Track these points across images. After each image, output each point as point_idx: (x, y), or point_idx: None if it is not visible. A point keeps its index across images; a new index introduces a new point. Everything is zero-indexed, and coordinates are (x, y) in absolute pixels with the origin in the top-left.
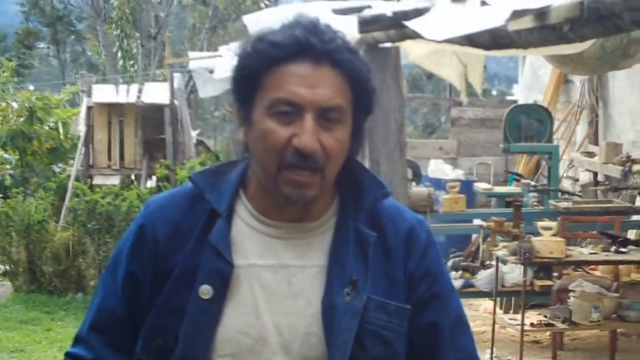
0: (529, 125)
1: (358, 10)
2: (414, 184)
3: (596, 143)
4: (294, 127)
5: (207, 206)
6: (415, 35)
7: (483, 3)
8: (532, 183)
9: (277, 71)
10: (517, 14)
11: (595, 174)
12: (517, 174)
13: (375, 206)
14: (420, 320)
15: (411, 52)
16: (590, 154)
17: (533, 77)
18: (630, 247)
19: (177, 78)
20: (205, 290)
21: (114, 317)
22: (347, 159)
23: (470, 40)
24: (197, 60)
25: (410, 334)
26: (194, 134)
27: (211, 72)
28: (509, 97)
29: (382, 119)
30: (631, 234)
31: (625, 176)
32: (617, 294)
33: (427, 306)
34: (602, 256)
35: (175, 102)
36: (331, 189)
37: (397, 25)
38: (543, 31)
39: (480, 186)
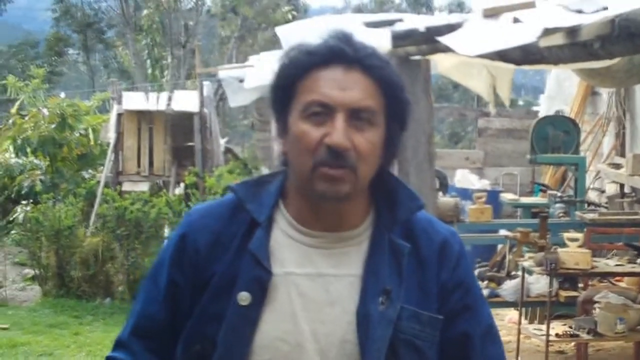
0: (556, 137)
1: (390, 23)
2: (440, 193)
3: (623, 155)
4: (326, 127)
5: (247, 216)
6: (447, 50)
7: (516, 20)
8: (558, 194)
9: (310, 77)
10: (548, 32)
11: (622, 186)
12: (544, 185)
13: (409, 218)
14: (452, 330)
15: (439, 63)
16: (617, 166)
17: (558, 88)
18: None
19: (207, 86)
20: (244, 297)
21: (155, 323)
22: (381, 170)
23: (501, 55)
24: (226, 70)
25: (442, 344)
26: (222, 141)
27: (241, 81)
28: (534, 108)
29: (412, 130)
30: None
31: None
32: None
33: (459, 316)
34: (628, 268)
35: (205, 110)
36: (367, 200)
37: (430, 40)
38: (574, 48)
39: (507, 197)
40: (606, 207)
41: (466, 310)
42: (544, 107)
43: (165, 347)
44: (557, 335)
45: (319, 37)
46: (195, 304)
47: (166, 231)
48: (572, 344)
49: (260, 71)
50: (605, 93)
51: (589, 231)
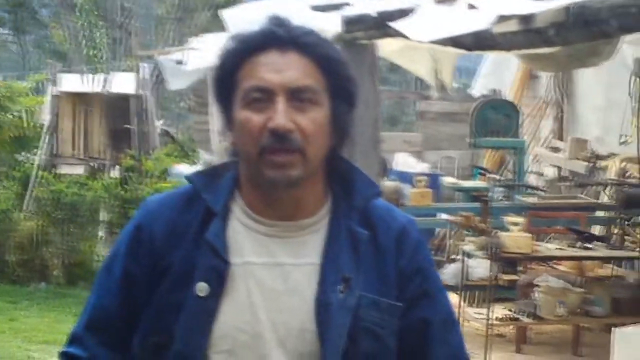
0: (496, 120)
1: (336, 7)
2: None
3: (561, 138)
4: (267, 112)
5: (203, 206)
6: (398, 35)
7: (471, 6)
8: (498, 178)
9: (247, 64)
10: (503, 18)
11: (560, 169)
12: (483, 169)
13: (367, 205)
14: (411, 317)
15: (383, 47)
16: (556, 150)
17: (495, 70)
18: (596, 242)
19: (144, 69)
20: (202, 288)
21: (110, 315)
22: (334, 154)
23: (454, 41)
24: (165, 52)
25: (401, 331)
26: (158, 123)
27: (179, 63)
28: (471, 91)
29: (358, 114)
30: (595, 230)
31: (591, 172)
32: (582, 289)
33: (418, 303)
34: (569, 252)
35: (142, 92)
36: (322, 187)
37: (381, 25)
38: (528, 34)
39: (447, 180)
40: (544, 191)
41: (425, 297)
42: (478, 87)
43: (121, 340)
44: (497, 318)
45: (254, 25)
46: (151, 295)
47: (103, 215)
48: (512, 327)
49: (201, 53)
50: (544, 77)
51: (530, 215)
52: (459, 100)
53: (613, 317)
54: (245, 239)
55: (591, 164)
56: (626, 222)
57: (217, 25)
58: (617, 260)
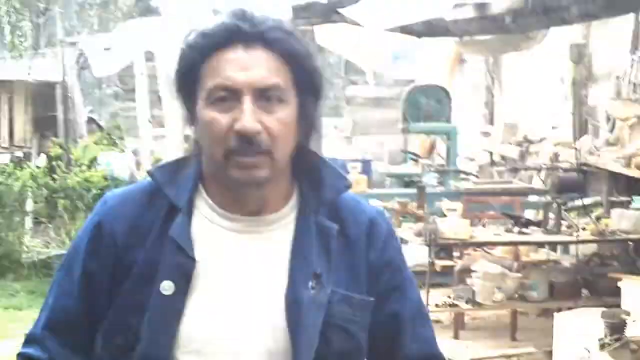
0: (428, 105)
1: None
2: None
3: (492, 123)
4: (234, 112)
5: (166, 201)
6: (349, 22)
7: None
8: (429, 163)
9: (211, 60)
10: (457, 5)
11: (491, 154)
12: (415, 154)
13: (336, 198)
14: (382, 312)
15: (317, 34)
16: (487, 134)
17: (427, 55)
18: (532, 227)
19: (68, 55)
20: (167, 286)
21: (70, 317)
22: (302, 149)
23: (404, 28)
24: (90, 38)
25: (372, 325)
26: (85, 111)
27: (107, 49)
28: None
29: None
30: (528, 214)
31: (523, 157)
32: (519, 274)
33: (389, 297)
34: (507, 237)
35: (67, 79)
36: (288, 180)
37: (331, 12)
38: (482, 21)
39: (380, 166)
40: (477, 176)
41: (396, 291)
42: (416, 77)
43: (83, 341)
44: (436, 305)
45: (216, 17)
46: (114, 294)
47: (30, 205)
48: (450, 313)
49: (128, 39)
50: (473, 61)
51: (466, 200)
52: (387, 85)
53: (549, 301)
54: (210, 234)
55: (523, 149)
56: (562, 207)
57: (142, 9)
58: (553, 245)
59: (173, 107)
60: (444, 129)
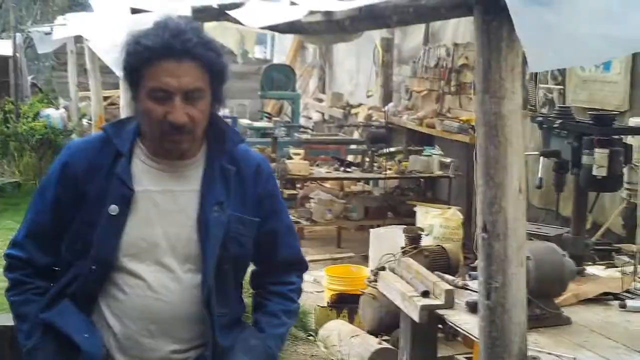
0: (279, 79)
1: None
2: None
3: (324, 92)
4: (167, 106)
5: (113, 149)
6: (235, 22)
7: (292, 3)
8: (279, 120)
9: (152, 67)
10: (311, 12)
11: (323, 114)
12: (268, 113)
13: (233, 148)
14: (265, 228)
15: (205, 25)
16: (320, 100)
17: (279, 42)
18: (353, 167)
19: (18, 37)
20: (113, 209)
21: (44, 228)
22: (211, 115)
23: (272, 27)
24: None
25: (257, 238)
26: (29, 78)
27: (47, 34)
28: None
29: None
30: (350, 158)
31: (346, 117)
32: (343, 201)
33: (269, 218)
34: (335, 174)
35: (17, 54)
36: (199, 138)
37: (222, 14)
38: (329, 24)
39: (243, 122)
40: (313, 130)
41: (274, 214)
42: (271, 57)
43: (53, 246)
44: None
45: (154, 25)
46: (75, 213)
47: None
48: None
49: (65, 27)
50: (311, 48)
51: (305, 147)
52: (250, 64)
53: (365, 220)
54: (144, 173)
55: (346, 111)
56: (375, 153)
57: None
58: (367, 180)
59: (95, 77)
60: (290, 95)
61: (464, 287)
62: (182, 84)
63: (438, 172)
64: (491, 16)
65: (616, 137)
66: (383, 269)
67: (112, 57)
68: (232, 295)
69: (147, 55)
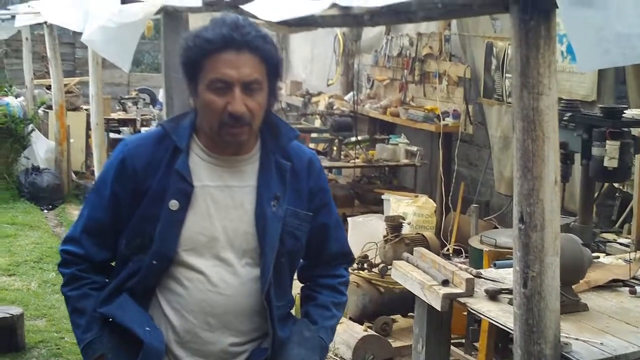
0: None
1: None
2: (151, 106)
3: (282, 80)
4: (227, 97)
5: (170, 144)
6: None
7: None
8: None
9: (212, 59)
10: (334, 5)
11: (281, 102)
12: None
13: (287, 144)
14: (316, 222)
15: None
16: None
17: None
18: (320, 156)
19: None
20: (174, 204)
21: (100, 224)
22: (266, 111)
23: (284, 22)
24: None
25: (309, 231)
26: None
27: (5, 20)
28: None
29: (175, 65)
30: (313, 146)
31: (305, 105)
32: None
33: (320, 212)
34: None
35: None
36: (256, 133)
37: (234, 7)
38: (345, 18)
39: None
40: None
41: (324, 207)
42: None
43: (109, 241)
44: None
45: (213, 22)
46: (134, 209)
47: None
48: None
49: (26, 15)
50: (274, 36)
51: None
52: None
53: None
54: (202, 168)
55: (305, 100)
56: (342, 142)
57: None
58: (330, 169)
59: (56, 65)
60: None
61: (478, 276)
62: (242, 75)
63: (404, 161)
64: (528, 15)
65: (626, 129)
66: (366, 257)
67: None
68: (287, 287)
69: (207, 47)
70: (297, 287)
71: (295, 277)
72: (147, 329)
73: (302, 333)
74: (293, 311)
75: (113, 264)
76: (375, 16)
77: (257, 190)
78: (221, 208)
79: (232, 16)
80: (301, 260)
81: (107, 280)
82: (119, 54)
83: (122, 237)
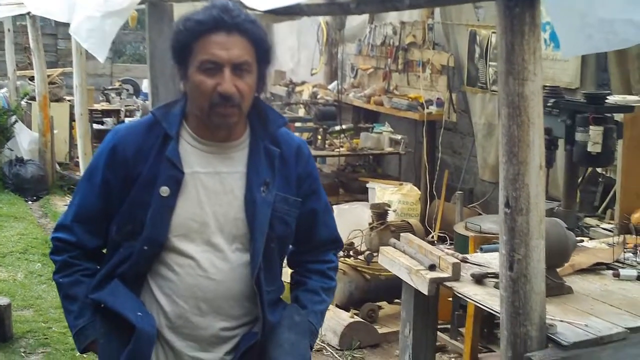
0: None
1: None
2: (134, 97)
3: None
4: (216, 78)
5: (160, 131)
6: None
7: None
8: None
9: (202, 41)
10: None
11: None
12: None
13: (276, 131)
14: (305, 207)
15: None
16: None
17: None
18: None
19: None
20: (164, 190)
21: (91, 211)
22: (255, 97)
23: (271, 10)
24: None
25: (298, 217)
26: None
27: None
28: None
29: (160, 55)
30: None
31: (289, 95)
32: None
33: (309, 198)
34: None
35: None
36: (245, 119)
37: None
38: (331, 6)
39: None
40: None
41: (313, 194)
42: None
43: (100, 229)
44: None
45: (204, 6)
46: (125, 196)
47: None
48: None
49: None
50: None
51: None
52: None
53: None
54: (192, 155)
55: (289, 89)
56: (326, 131)
57: None
58: (315, 157)
59: (39, 56)
60: None
61: (464, 261)
62: (232, 56)
63: (388, 149)
64: (513, 2)
65: (609, 114)
66: (352, 244)
67: (91, 40)
68: (277, 273)
69: (198, 28)
70: (287, 274)
71: (285, 263)
72: (139, 314)
73: (292, 317)
74: (283, 298)
75: (104, 250)
76: (361, 4)
77: (247, 176)
78: (211, 194)
79: (222, 0)
80: (290, 246)
81: (98, 267)
82: (97, 44)
83: (113, 224)
